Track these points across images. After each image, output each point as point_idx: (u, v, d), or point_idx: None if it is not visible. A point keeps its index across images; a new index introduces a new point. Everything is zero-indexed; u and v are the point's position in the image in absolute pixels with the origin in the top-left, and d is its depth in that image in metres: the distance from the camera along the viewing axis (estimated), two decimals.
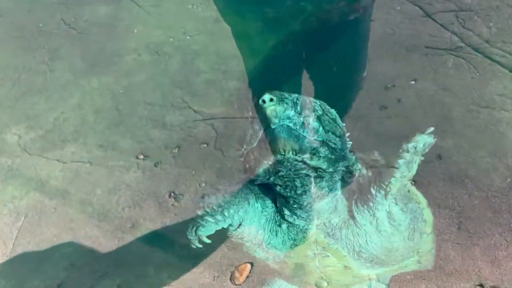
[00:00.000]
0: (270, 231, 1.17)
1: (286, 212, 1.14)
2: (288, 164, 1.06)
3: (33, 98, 2.90)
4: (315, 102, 1.08)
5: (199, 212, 1.14)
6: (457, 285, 1.72)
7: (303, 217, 1.13)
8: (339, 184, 1.14)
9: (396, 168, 1.04)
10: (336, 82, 1.82)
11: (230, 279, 1.86)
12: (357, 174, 1.15)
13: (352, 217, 1.12)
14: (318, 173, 1.08)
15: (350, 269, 1.19)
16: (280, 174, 1.09)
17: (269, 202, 1.17)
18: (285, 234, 1.16)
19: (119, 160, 2.50)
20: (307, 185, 1.09)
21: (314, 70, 1.83)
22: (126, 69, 3.01)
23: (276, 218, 1.16)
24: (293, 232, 1.15)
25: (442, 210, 1.98)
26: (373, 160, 1.14)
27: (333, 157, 1.07)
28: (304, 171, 1.07)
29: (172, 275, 1.90)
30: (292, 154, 1.03)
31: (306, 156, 1.04)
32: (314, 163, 1.05)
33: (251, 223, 1.16)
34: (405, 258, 1.21)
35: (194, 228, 1.12)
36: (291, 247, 1.17)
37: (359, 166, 1.15)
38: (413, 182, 1.14)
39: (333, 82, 1.83)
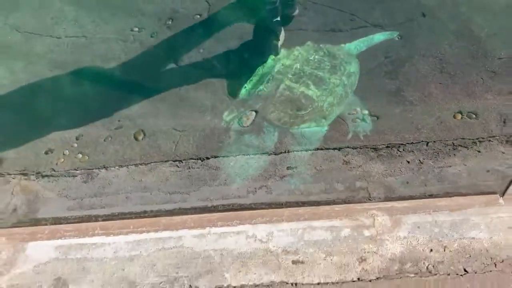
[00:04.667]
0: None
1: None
2: None
3: None
4: None
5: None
6: (440, 112, 1.96)
7: None
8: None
9: None
10: None
11: (238, 123, 2.04)
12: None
13: None
14: None
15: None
16: None
17: None
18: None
19: (115, 33, 2.53)
20: None
21: None
22: None
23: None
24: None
25: (426, 58, 2.18)
26: None
27: None
28: None
29: (181, 121, 2.07)
30: None
31: None
32: None
33: None
34: None
35: None
36: None
37: None
38: None
39: None
